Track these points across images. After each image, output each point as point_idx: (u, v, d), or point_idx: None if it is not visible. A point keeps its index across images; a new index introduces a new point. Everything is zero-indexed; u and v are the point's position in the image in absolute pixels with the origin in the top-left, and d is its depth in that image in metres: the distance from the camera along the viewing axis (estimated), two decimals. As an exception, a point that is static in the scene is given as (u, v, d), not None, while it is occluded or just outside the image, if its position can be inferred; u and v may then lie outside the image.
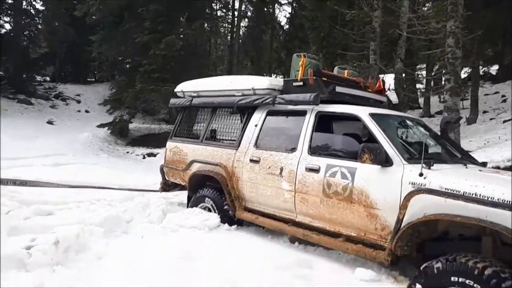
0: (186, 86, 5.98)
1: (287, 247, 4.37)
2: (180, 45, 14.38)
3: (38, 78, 23.11)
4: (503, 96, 17.63)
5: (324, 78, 4.45)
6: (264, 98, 4.68)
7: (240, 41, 22.09)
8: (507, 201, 2.77)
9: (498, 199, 2.81)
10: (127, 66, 19.06)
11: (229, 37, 23.86)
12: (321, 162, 3.98)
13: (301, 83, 4.51)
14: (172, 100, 6.15)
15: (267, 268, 3.55)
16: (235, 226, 4.90)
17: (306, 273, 3.47)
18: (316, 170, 3.98)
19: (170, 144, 5.97)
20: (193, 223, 4.81)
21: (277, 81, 4.88)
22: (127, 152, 15.49)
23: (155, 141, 15.57)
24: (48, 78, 24.42)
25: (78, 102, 21.04)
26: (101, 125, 16.80)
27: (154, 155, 14.69)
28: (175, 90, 6.18)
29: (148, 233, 4.39)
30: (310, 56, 4.89)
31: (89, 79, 25.88)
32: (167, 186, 6.20)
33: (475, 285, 2.77)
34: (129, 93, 15.04)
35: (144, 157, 14.90)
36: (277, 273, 3.43)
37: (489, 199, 2.84)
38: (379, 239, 3.54)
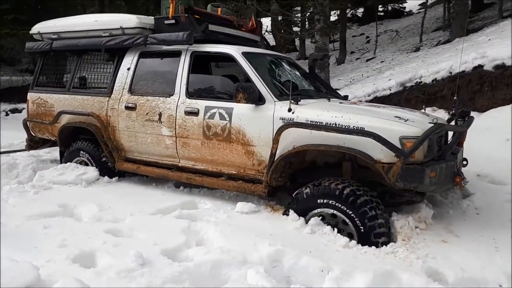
0: (44, 27, 5.25)
1: (172, 192, 4.39)
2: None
3: None
4: (367, 37, 19.48)
5: (196, 16, 4.30)
6: (135, 38, 4.36)
7: (111, -22, 19.92)
8: (360, 127, 3.13)
9: (353, 127, 3.16)
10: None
11: (97, -27, 21.31)
12: (200, 104, 3.96)
13: (173, 21, 4.29)
14: (29, 44, 5.38)
15: (150, 212, 3.53)
16: (116, 178, 4.72)
17: (190, 213, 3.54)
18: (195, 113, 3.96)
19: (32, 95, 5.32)
20: (69, 179, 4.50)
21: (147, 19, 4.56)
22: (-15, 110, 13.41)
23: (19, 95, 13.69)
24: None
25: None
26: None
27: (20, 111, 13.06)
28: (31, 32, 5.40)
29: (16, 194, 3.95)
30: (181, -9, 4.64)
31: None
32: (35, 143, 5.59)
33: (337, 204, 3.18)
34: (-23, 39, 12.72)
35: (7, 114, 13.15)
36: (160, 216, 3.44)
37: (346, 127, 3.18)
38: (257, 174, 3.76)
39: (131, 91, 4.47)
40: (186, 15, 4.20)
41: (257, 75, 3.76)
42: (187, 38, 4.04)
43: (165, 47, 4.33)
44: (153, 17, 4.59)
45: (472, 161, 3.83)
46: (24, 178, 4.87)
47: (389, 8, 23.32)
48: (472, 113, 4.04)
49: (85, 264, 2.51)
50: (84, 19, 5.07)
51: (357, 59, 14.94)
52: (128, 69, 4.54)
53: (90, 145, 4.78)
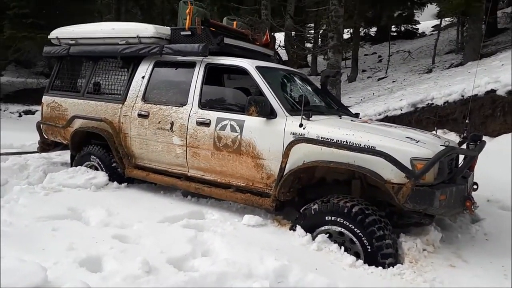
0: (62, 32, 5.36)
1: (180, 200, 4.40)
2: (57, -14, 12.69)
3: None
4: (379, 56, 19.55)
5: (212, 28, 4.37)
6: (151, 47, 4.44)
7: (129, -13, 20.33)
8: (371, 146, 3.13)
9: (364, 145, 3.16)
10: (-8, 8, 16.27)
11: (116, -18, 21.76)
12: (212, 115, 4.00)
13: (189, 33, 4.36)
14: (47, 49, 5.49)
15: (157, 220, 3.54)
16: (125, 184, 4.75)
17: (197, 223, 3.55)
18: (207, 124, 4.00)
19: (46, 98, 5.40)
20: (78, 182, 4.53)
21: (164, 29, 4.64)
22: (-1, 110, 13.63)
23: (33, 97, 13.91)
24: None
25: None
26: (-38, 78, 14.37)
27: (33, 113, 13.25)
28: (49, 36, 5.51)
29: (26, 195, 3.99)
30: (198, 4, 4.72)
31: None
32: (47, 146, 5.67)
33: (344, 222, 3.16)
34: (-5, 40, 12.97)
35: (20, 115, 13.35)
36: (168, 224, 3.44)
37: (357, 145, 3.18)
38: (265, 187, 3.76)
39: (144, 99, 4.53)
40: (202, 27, 4.26)
41: (270, 89, 3.79)
42: (203, 50, 4.10)
43: (180, 58, 4.39)
44: (169, 28, 4.67)
45: (483, 185, 3.80)
46: (35, 180, 4.92)
47: (402, 28, 23.46)
48: (484, 138, 4.02)
49: (91, 268, 2.52)
50: (101, 26, 5.17)
51: (368, 77, 14.98)
52: (143, 77, 4.61)
53: (101, 150, 4.83)
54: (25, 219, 3.30)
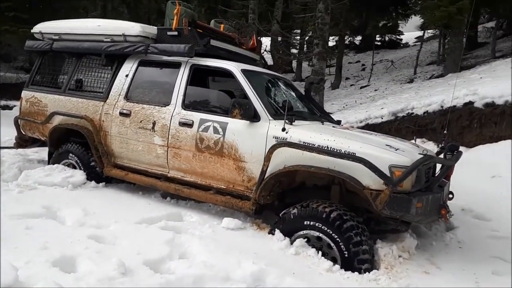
0: (46, 27, 5.26)
1: (158, 202, 4.36)
2: (41, -19, 12.47)
3: None
4: (363, 65, 19.86)
5: (199, 30, 4.36)
6: (136, 46, 4.40)
7: (116, -16, 20.09)
8: (352, 152, 3.17)
9: (345, 151, 3.20)
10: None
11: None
12: (195, 116, 3.98)
13: (175, 33, 4.35)
14: (29, 43, 5.38)
15: (135, 221, 3.49)
16: (103, 183, 4.68)
17: (175, 225, 3.52)
18: (190, 125, 3.98)
19: (26, 93, 5.28)
20: (55, 180, 4.44)
21: (150, 28, 4.60)
22: (-25, 104, 13.26)
23: (11, 92, 13.58)
24: None
25: None
26: None
27: (10, 108, 12.93)
28: (32, 31, 5.40)
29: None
30: (186, 5, 4.70)
31: None
32: (24, 142, 5.53)
33: (323, 226, 3.19)
34: (-24, 33, 12.63)
35: (-3, 110, 12.98)
36: (145, 225, 3.40)
37: (338, 151, 3.22)
38: (245, 190, 3.76)
39: (127, 97, 4.48)
40: (189, 28, 4.25)
41: (254, 93, 3.80)
42: (189, 50, 4.09)
43: (165, 58, 4.36)
44: (156, 27, 4.64)
45: (458, 195, 3.89)
46: (9, 177, 4.79)
47: (387, 38, 23.89)
48: (461, 148, 4.12)
49: (65, 269, 2.46)
50: (87, 23, 5.10)
51: (351, 85, 15.18)
52: (127, 76, 4.56)
53: (80, 148, 4.75)
54: (-3, 217, 3.21)
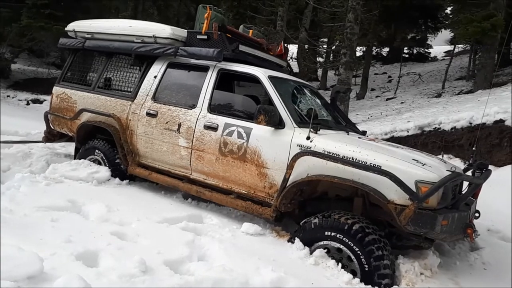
0: (79, 26, 5.41)
1: (180, 202, 4.40)
2: (77, -20, 12.89)
3: None
4: (389, 76, 19.60)
5: (228, 35, 4.40)
6: (166, 48, 4.46)
7: (147, -14, 20.54)
8: (377, 165, 3.12)
9: (370, 164, 3.16)
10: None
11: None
12: (220, 120, 4.01)
13: (205, 37, 4.39)
14: (62, 40, 5.53)
15: (157, 220, 3.53)
16: (127, 181, 4.75)
17: (196, 226, 3.53)
18: (214, 129, 4.00)
19: (57, 89, 5.43)
20: (81, 175, 4.52)
21: (180, 31, 4.67)
22: (8, 96, 13.72)
23: (42, 86, 14.01)
24: None
25: None
26: (-25, 61, 14.49)
27: (41, 102, 13.35)
28: (66, 28, 5.56)
29: (28, 184, 3.98)
30: (217, 9, 4.75)
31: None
32: (52, 136, 5.68)
33: (344, 238, 3.14)
34: (12, 27, 13.12)
35: (28, 103, 13.42)
36: (166, 225, 3.43)
37: (363, 163, 3.18)
38: (266, 197, 3.75)
39: (154, 98, 4.55)
40: (219, 32, 4.29)
41: (280, 100, 3.80)
42: (217, 55, 4.12)
43: (193, 61, 4.42)
44: (186, 30, 4.70)
45: (484, 214, 3.77)
46: (37, 169, 4.95)
47: (415, 51, 23.54)
48: (489, 167, 4.00)
49: (88, 263, 2.50)
50: (119, 23, 5.21)
51: (377, 96, 14.99)
52: (155, 77, 4.63)
53: (106, 145, 4.84)
54: (25, 208, 3.30)
